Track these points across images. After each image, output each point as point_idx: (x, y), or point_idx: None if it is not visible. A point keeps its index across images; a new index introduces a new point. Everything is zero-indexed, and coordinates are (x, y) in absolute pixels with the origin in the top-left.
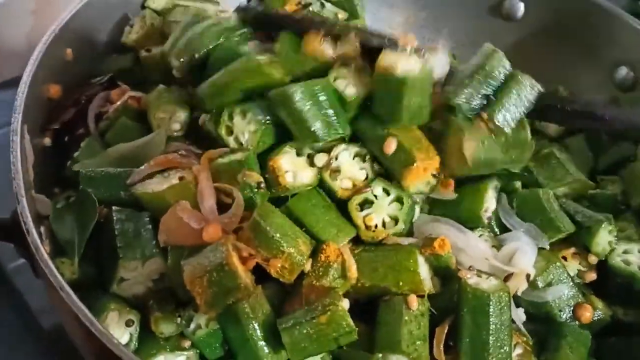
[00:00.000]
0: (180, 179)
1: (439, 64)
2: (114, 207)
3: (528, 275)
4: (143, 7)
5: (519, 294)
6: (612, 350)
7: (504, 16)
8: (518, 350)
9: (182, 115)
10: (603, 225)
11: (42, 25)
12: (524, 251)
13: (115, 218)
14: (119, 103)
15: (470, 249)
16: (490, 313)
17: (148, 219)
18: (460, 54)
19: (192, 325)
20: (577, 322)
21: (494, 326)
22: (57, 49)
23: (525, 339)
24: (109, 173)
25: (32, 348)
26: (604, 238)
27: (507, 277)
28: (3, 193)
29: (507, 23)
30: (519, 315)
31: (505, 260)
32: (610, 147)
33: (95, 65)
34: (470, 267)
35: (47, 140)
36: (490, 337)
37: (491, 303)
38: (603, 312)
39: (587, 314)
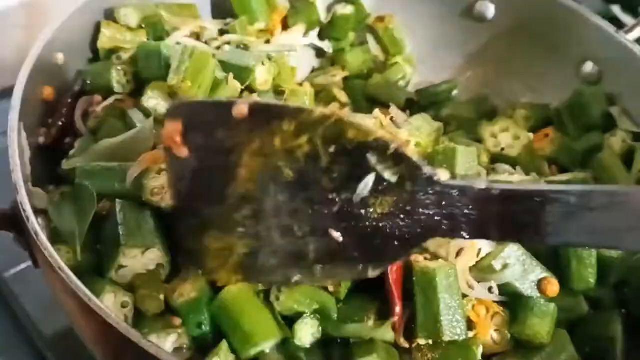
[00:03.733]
0: None
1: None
2: (117, 199)
3: (479, 250)
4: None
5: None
6: (581, 326)
7: (476, 18)
8: (497, 321)
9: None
10: None
11: (33, 38)
12: None
13: (118, 208)
14: (106, 103)
15: None
16: (438, 287)
17: (149, 212)
18: (436, 57)
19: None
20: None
21: (443, 300)
22: (49, 53)
23: (502, 310)
24: (106, 167)
25: (31, 355)
26: None
27: (459, 253)
28: (3, 186)
29: (479, 24)
30: (494, 290)
31: None
32: (578, 142)
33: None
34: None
35: (42, 140)
36: (442, 310)
37: (438, 278)
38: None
39: (553, 288)
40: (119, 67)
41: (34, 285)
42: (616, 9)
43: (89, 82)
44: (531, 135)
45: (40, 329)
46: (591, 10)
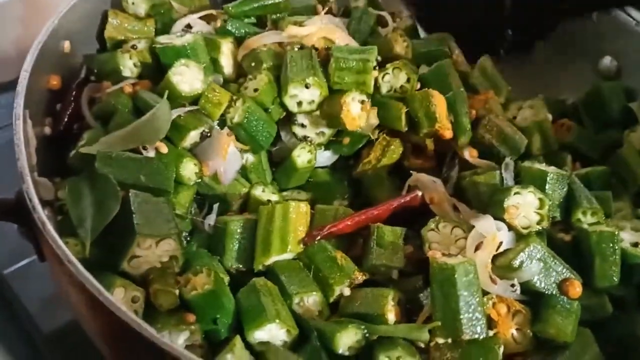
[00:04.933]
0: None
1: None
2: (131, 190)
3: (500, 244)
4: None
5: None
6: (604, 325)
7: None
8: (518, 319)
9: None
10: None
11: (31, 32)
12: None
13: (132, 198)
14: (115, 87)
15: None
16: (457, 283)
17: (165, 203)
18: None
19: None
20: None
21: (462, 296)
22: (55, 41)
23: (523, 308)
24: (129, 156)
25: (31, 353)
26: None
27: (478, 247)
28: (7, 175)
29: None
30: (517, 288)
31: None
32: (596, 136)
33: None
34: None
35: (47, 129)
36: (460, 306)
37: (456, 274)
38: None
39: (576, 289)
40: (127, 53)
41: (33, 282)
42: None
43: (95, 69)
44: None
45: (39, 325)
46: None
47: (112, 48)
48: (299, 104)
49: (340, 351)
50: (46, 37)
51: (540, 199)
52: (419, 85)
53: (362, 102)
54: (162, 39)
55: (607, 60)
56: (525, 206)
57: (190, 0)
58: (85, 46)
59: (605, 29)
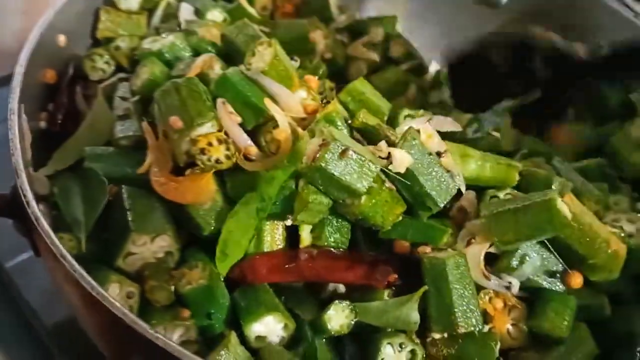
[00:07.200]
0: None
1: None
2: (123, 186)
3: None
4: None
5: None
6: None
7: (490, 3)
8: (514, 314)
9: None
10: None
11: (31, 24)
12: None
13: (125, 195)
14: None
15: None
16: (449, 276)
17: (158, 197)
18: (448, 43)
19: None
20: (565, 289)
21: (455, 289)
22: (51, 35)
23: (519, 303)
24: (116, 151)
25: (32, 346)
26: None
27: (468, 243)
28: (2, 170)
29: (492, 10)
30: (514, 283)
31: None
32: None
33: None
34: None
35: (43, 124)
36: (454, 300)
37: (447, 267)
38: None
39: (577, 280)
40: (99, 54)
41: (35, 275)
42: None
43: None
44: None
45: (41, 318)
46: None
47: (107, 43)
48: None
49: (330, 329)
50: (42, 30)
51: None
52: None
53: None
54: (146, 43)
55: (604, 52)
56: None
57: None
58: (82, 41)
59: (603, 20)
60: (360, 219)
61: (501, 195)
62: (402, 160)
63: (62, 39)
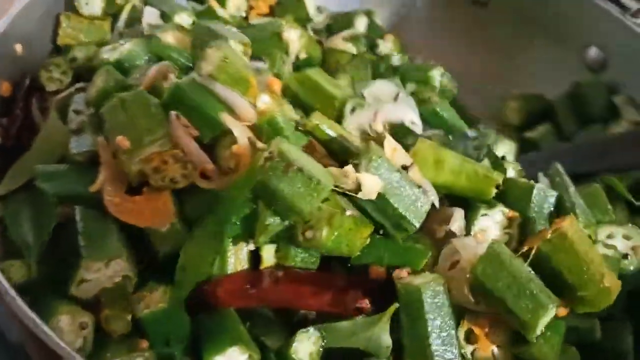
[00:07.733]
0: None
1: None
2: (76, 207)
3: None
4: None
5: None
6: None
7: (476, 1)
8: (499, 337)
9: None
10: None
11: None
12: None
13: (78, 217)
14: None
15: None
16: (425, 307)
17: (113, 219)
18: (437, 43)
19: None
20: None
21: (430, 321)
22: (6, 44)
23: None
24: (71, 169)
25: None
26: None
27: (453, 265)
28: None
29: (479, 9)
30: None
31: None
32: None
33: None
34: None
35: None
36: (430, 333)
37: (423, 296)
38: None
39: (561, 311)
40: (55, 64)
41: None
42: None
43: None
44: None
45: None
46: None
47: (66, 52)
48: None
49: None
50: None
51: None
52: None
53: None
54: (104, 51)
55: (593, 52)
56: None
57: None
58: (39, 50)
59: (592, 19)
60: (324, 252)
61: (492, 213)
62: (372, 186)
63: (18, 47)
